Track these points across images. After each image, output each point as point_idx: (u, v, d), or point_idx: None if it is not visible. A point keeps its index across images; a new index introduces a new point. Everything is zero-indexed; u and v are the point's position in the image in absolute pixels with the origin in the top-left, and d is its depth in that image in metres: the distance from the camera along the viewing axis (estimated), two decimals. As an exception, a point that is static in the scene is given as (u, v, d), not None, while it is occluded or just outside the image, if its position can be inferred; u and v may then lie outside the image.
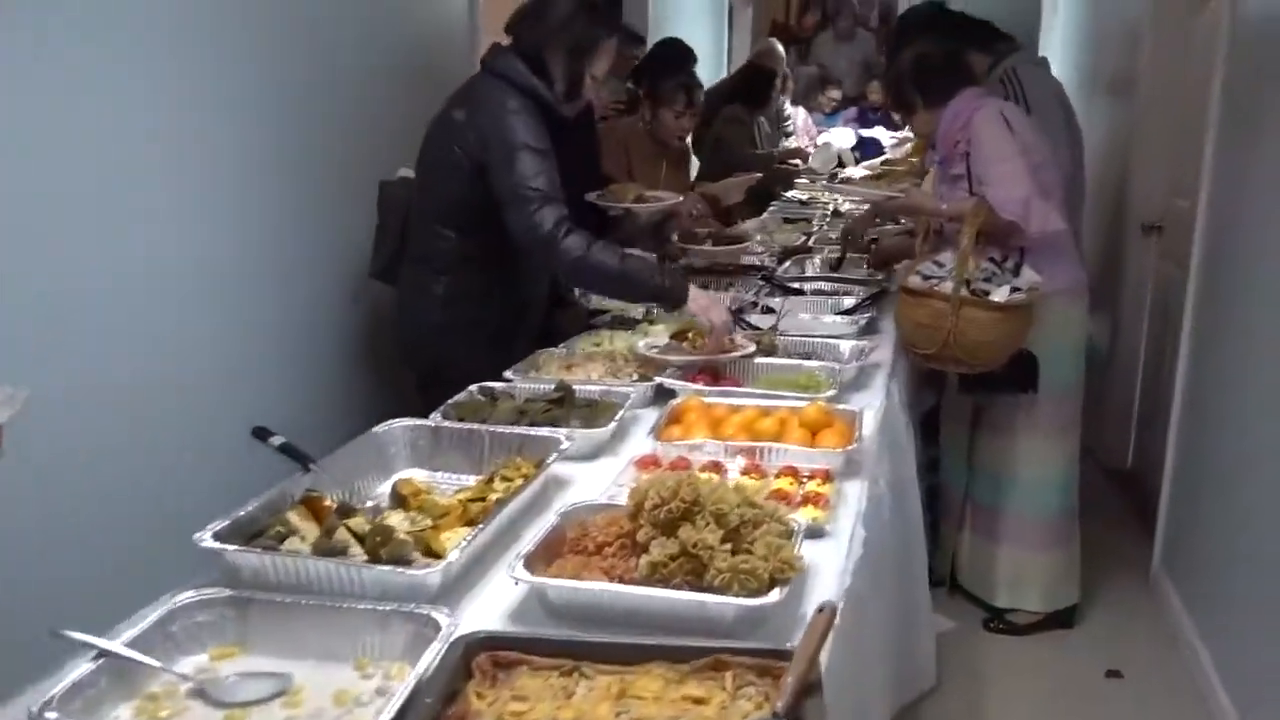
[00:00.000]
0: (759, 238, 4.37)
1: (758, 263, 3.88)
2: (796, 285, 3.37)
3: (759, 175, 4.83)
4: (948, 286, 2.56)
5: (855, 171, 6.34)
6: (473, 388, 2.11)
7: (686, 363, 2.29)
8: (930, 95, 2.93)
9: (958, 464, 3.20)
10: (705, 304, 2.36)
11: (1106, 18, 5.09)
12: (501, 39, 2.56)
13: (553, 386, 2.08)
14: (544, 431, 1.83)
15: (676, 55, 4.06)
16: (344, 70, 2.92)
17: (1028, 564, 3.11)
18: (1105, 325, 4.41)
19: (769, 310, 2.92)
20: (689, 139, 4.30)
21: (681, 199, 2.98)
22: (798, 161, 6.11)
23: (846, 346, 2.53)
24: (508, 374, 2.24)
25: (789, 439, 1.85)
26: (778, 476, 1.71)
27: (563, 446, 1.74)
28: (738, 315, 2.81)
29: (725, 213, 4.97)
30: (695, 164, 5.00)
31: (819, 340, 2.57)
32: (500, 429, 1.86)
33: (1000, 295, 2.59)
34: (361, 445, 1.76)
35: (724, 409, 2.01)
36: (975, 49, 3.27)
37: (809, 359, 2.46)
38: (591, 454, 1.91)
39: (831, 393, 2.09)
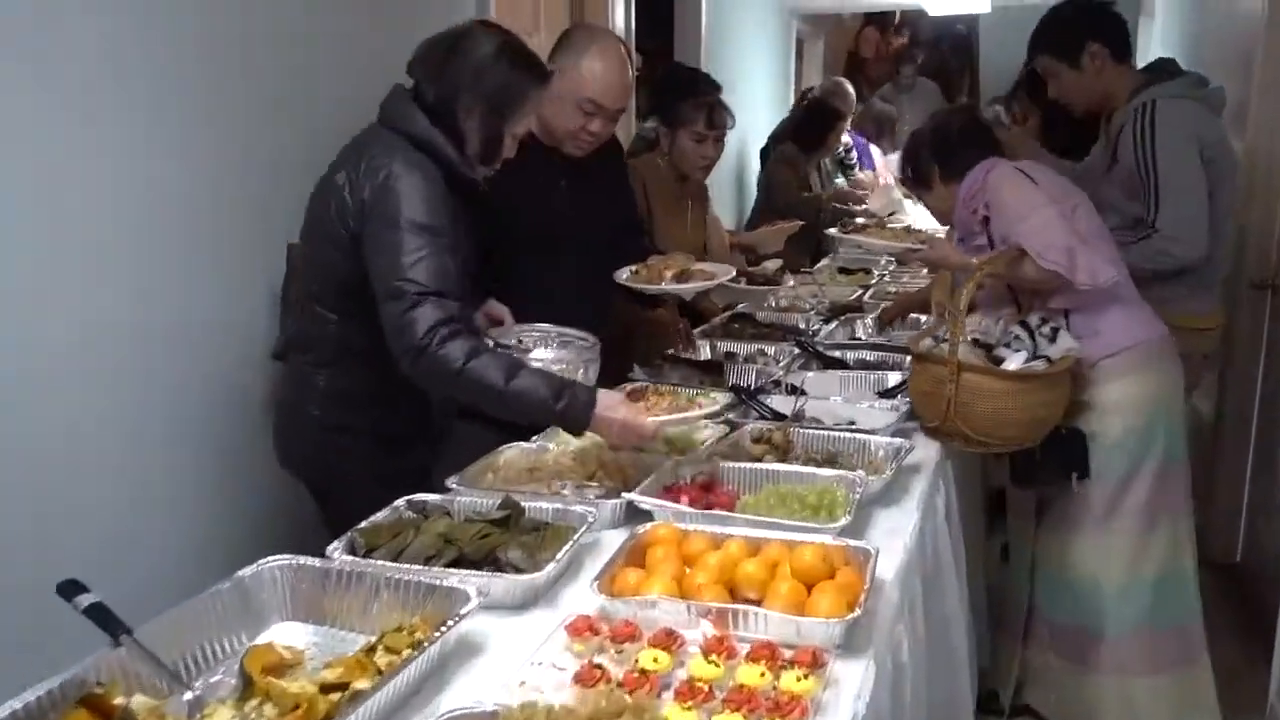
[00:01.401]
0: (802, 289, 3.93)
1: (800, 323, 3.44)
2: (837, 354, 2.92)
3: (800, 223, 4.36)
4: (960, 350, 2.15)
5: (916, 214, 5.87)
6: (401, 502, 1.72)
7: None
8: (949, 167, 2.53)
9: (1020, 567, 2.67)
10: (620, 430, 1.86)
11: (1211, 43, 4.52)
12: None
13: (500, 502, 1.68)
14: (453, 579, 1.41)
15: (694, 77, 3.63)
16: (320, 118, 2.55)
17: (1137, 691, 2.51)
18: (1210, 395, 3.83)
19: (795, 390, 2.46)
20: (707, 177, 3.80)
21: (731, 273, 2.52)
22: (857, 204, 5.62)
23: (881, 445, 2.07)
24: (451, 481, 1.84)
25: (775, 597, 1.40)
26: (749, 660, 1.26)
27: (467, 607, 1.33)
28: (751, 397, 2.38)
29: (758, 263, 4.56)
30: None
31: (847, 435, 2.11)
32: (402, 570, 1.45)
33: (1014, 362, 2.16)
34: (215, 599, 1.37)
35: (703, 540, 1.58)
36: (1117, 59, 2.90)
37: (832, 462, 2.01)
38: (522, 603, 1.49)
39: (844, 521, 1.63)
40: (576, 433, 1.86)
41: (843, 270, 4.42)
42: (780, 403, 2.39)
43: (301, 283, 2.05)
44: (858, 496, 1.74)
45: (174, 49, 2.09)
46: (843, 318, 3.42)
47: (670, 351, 2.85)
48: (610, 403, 1.84)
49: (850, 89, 6.28)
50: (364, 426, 2.02)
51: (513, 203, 2.33)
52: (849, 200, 5.56)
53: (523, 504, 1.70)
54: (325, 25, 2.54)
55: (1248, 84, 3.57)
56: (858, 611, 1.33)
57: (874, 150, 6.61)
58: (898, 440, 2.07)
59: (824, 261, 4.99)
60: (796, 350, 2.92)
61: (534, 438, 2.09)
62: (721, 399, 2.06)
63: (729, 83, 6.26)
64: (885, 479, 1.87)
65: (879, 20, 9.51)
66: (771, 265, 3.25)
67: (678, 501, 1.75)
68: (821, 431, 2.14)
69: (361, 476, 1.96)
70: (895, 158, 7.21)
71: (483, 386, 1.76)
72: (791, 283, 3.54)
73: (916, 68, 8.85)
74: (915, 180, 2.68)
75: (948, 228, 2.75)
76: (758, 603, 1.42)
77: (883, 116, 6.97)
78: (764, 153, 5.74)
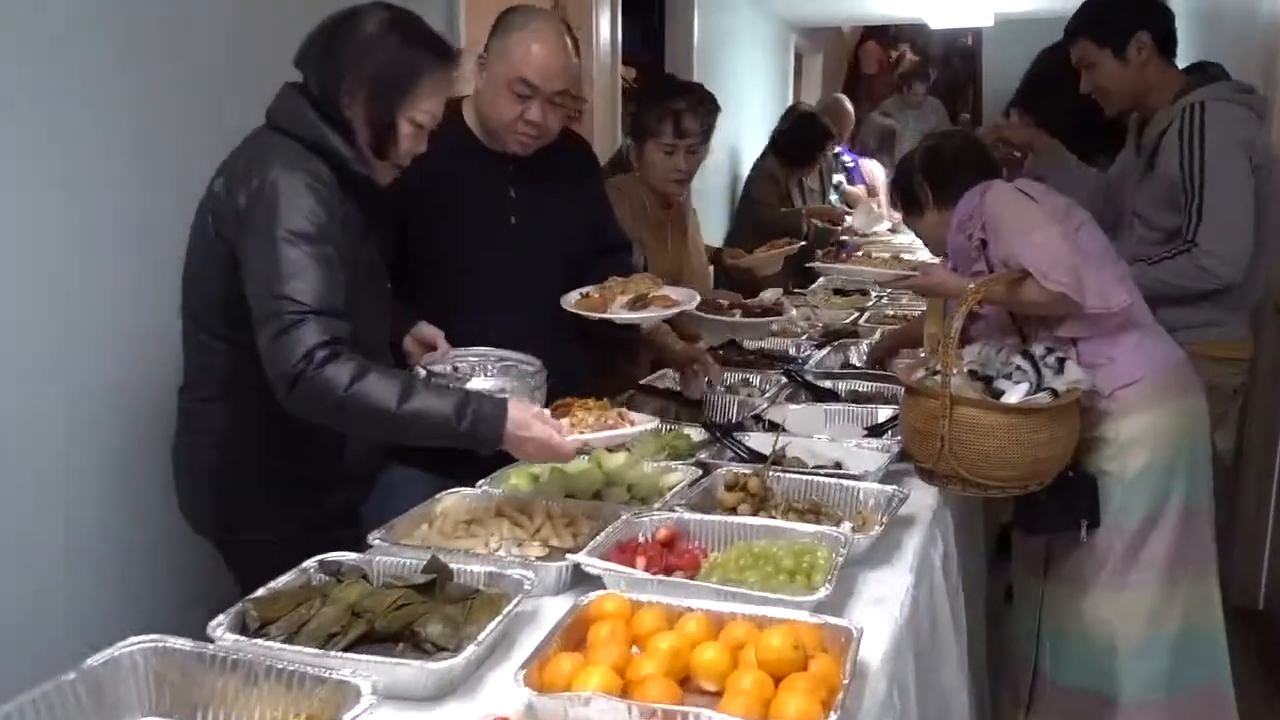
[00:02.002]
0: (798, 314, 3.70)
1: (791, 348, 3.21)
2: (828, 384, 2.68)
3: (801, 243, 4.15)
4: (955, 383, 1.91)
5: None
6: (311, 564, 1.48)
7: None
8: (942, 191, 2.31)
9: (1025, 626, 2.39)
10: (535, 449, 1.62)
11: (1229, 41, 4.29)
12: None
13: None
14: (346, 670, 1.17)
15: (666, 85, 3.31)
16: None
17: None
18: (1230, 428, 3.57)
19: (774, 427, 2.23)
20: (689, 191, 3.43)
21: (695, 300, 2.21)
22: (837, 222, 5.37)
23: (870, 493, 1.83)
24: (374, 536, 1.60)
25: (735, 694, 1.16)
26: (697, 781, 1.02)
27: (356, 710, 1.09)
28: (726, 436, 2.14)
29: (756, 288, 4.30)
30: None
31: (831, 482, 1.87)
32: (287, 656, 1.21)
33: (1014, 395, 1.92)
34: (60, 693, 1.13)
35: (657, 615, 1.34)
36: (1163, 55, 2.65)
37: (816, 512, 1.77)
38: (435, 693, 1.25)
39: (823, 593, 1.38)
40: (488, 453, 1.63)
41: (838, 292, 4.18)
42: (760, 440, 2.15)
43: (183, 309, 1.79)
44: (841, 559, 1.50)
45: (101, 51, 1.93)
46: (836, 343, 3.19)
47: (644, 381, 2.62)
48: (523, 419, 1.60)
49: (849, 107, 6.08)
50: (269, 470, 1.76)
51: (451, 208, 2.09)
52: (828, 218, 5.31)
53: (451, 566, 1.46)
54: (268, 22, 2.33)
55: (1269, 86, 3.34)
56: (833, 717, 1.09)
57: (867, 164, 6.40)
58: (889, 488, 1.83)
59: (819, 282, 4.77)
60: (784, 380, 2.68)
61: (480, 482, 1.85)
62: (645, 420, 1.77)
63: (722, 98, 6.07)
64: (873, 536, 1.63)
65: (880, 34, 9.30)
66: (770, 294, 2.98)
67: (633, 563, 1.51)
68: (803, 477, 1.90)
69: (269, 530, 1.72)
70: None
71: (372, 411, 1.52)
72: (794, 313, 3.20)
73: (928, 85, 8.62)
74: (906, 205, 2.47)
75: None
76: (716, 695, 1.19)
77: (883, 131, 6.75)
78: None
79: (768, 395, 2.54)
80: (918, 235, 2.63)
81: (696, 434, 2.22)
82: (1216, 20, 4.45)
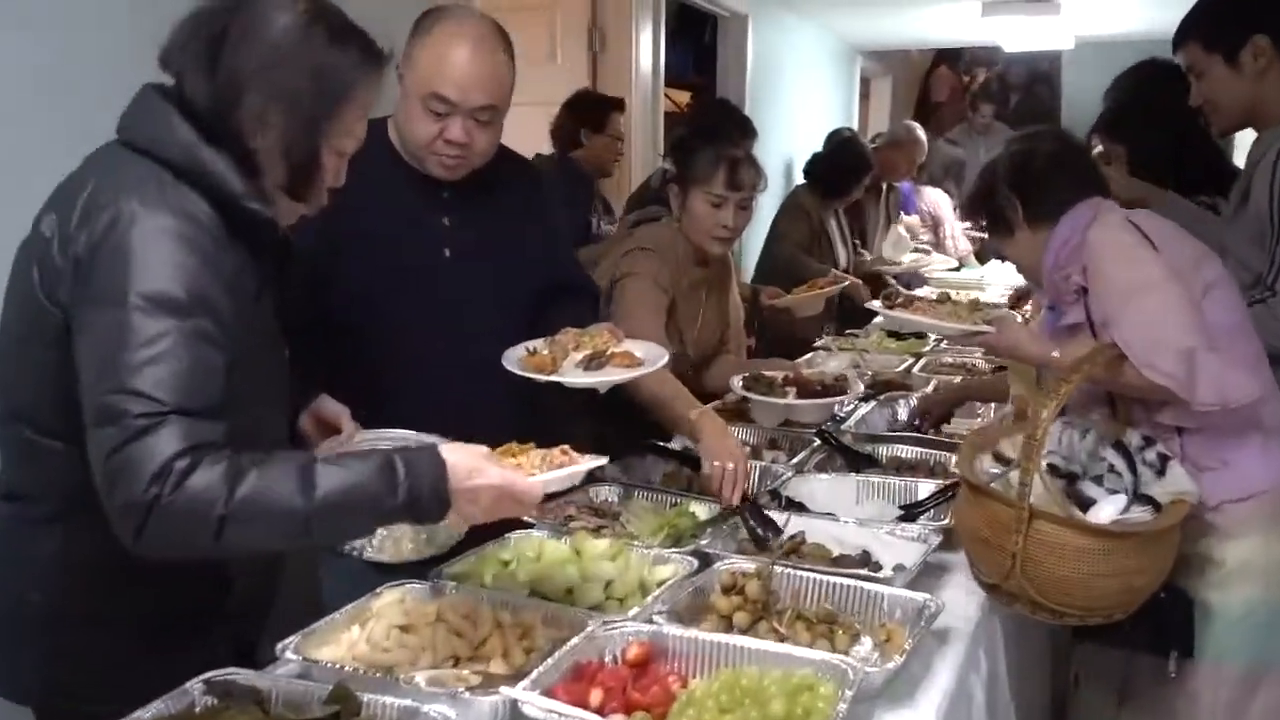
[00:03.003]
0: (845, 360, 3.37)
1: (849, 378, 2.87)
2: (869, 448, 2.36)
3: (848, 280, 3.81)
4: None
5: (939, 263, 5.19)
6: (196, 684, 1.22)
7: None
8: (1036, 206, 1.88)
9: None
10: (493, 500, 1.29)
11: None
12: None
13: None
14: None
15: (717, 118, 2.94)
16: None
17: None
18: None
19: (791, 505, 1.92)
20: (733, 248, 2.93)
21: (664, 360, 1.84)
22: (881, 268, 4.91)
23: (898, 601, 1.51)
24: (284, 646, 1.33)
25: None
26: None
27: None
28: (740, 512, 1.84)
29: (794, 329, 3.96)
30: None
31: (849, 583, 1.56)
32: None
33: (1107, 511, 1.55)
34: None
35: (598, 783, 1.05)
36: None
37: (830, 622, 1.46)
38: None
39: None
40: (434, 521, 1.29)
41: (892, 335, 3.83)
42: (784, 519, 1.85)
43: (3, 392, 1.34)
44: (846, 702, 1.19)
45: None
46: (883, 396, 2.85)
47: (653, 441, 2.32)
48: (470, 466, 1.26)
49: (922, 136, 5.67)
50: (122, 616, 1.34)
51: (371, 242, 1.78)
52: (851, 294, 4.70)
53: (361, 696, 1.19)
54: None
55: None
56: None
57: (931, 194, 5.99)
58: (920, 597, 1.50)
59: (876, 320, 4.41)
60: (816, 441, 2.37)
61: (434, 573, 1.58)
62: (592, 460, 1.46)
63: (777, 125, 5.79)
64: (891, 669, 1.31)
65: (953, 58, 8.88)
66: (834, 364, 2.60)
67: (586, 698, 1.22)
68: (818, 576, 1.58)
69: (117, 697, 1.20)
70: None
71: (272, 521, 1.15)
72: (860, 391, 2.62)
73: (995, 109, 8.17)
74: (992, 223, 2.02)
75: (1016, 309, 2.16)
76: None
77: (950, 160, 6.37)
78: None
79: (795, 462, 2.23)
80: (1008, 260, 2.22)
81: (705, 510, 1.93)
82: None
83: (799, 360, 3.42)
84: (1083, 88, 7.74)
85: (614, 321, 2.26)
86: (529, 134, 4.08)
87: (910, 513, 1.96)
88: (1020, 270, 2.17)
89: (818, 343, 3.64)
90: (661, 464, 2.22)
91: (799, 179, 5.80)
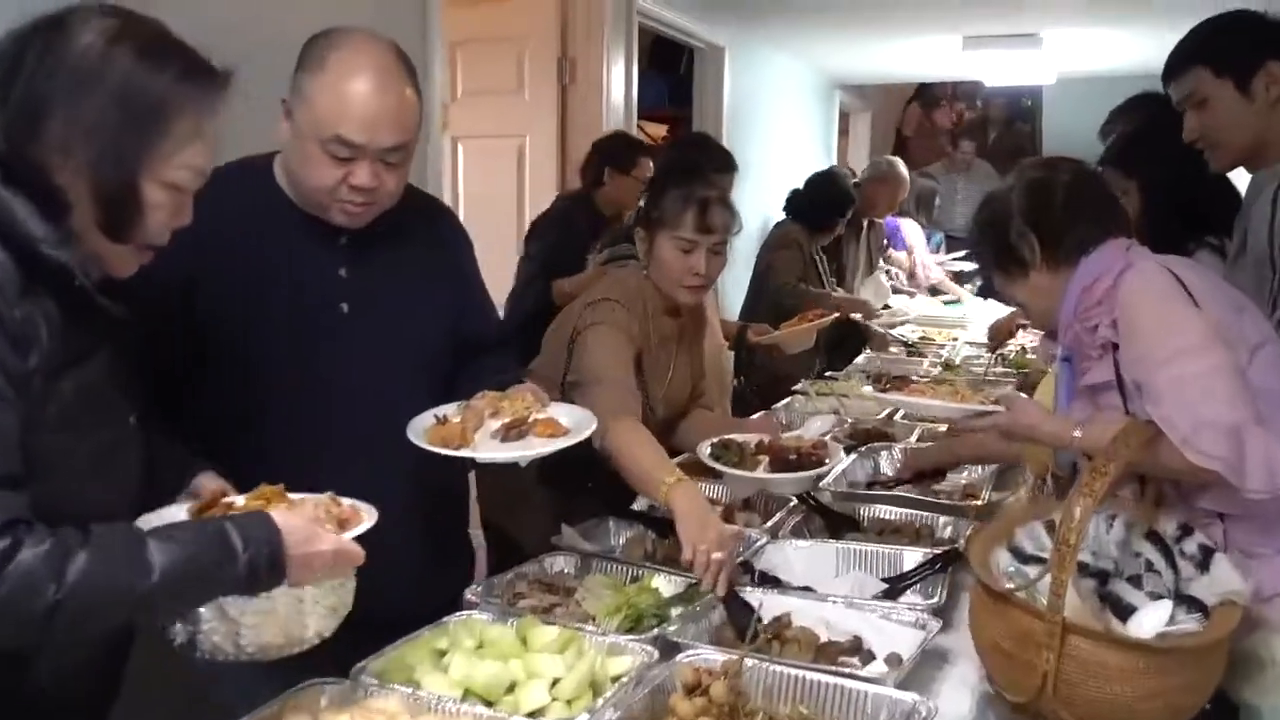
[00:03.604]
0: (824, 405, 3.21)
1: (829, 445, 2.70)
2: (850, 508, 2.19)
3: (835, 315, 3.66)
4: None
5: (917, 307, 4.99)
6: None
7: None
8: (1056, 244, 1.67)
9: None
10: (325, 562, 1.20)
11: None
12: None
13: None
14: None
15: (691, 154, 2.72)
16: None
17: None
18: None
19: (765, 580, 1.74)
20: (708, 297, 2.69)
21: (591, 427, 1.64)
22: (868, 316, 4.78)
23: (882, 703, 1.33)
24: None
25: None
26: None
27: None
28: (727, 601, 1.66)
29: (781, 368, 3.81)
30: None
31: (831, 682, 1.37)
32: None
33: (1151, 621, 1.33)
34: None
35: None
36: None
37: (804, 730, 1.28)
38: None
39: None
40: (268, 589, 1.19)
41: (870, 377, 3.67)
42: (752, 597, 1.67)
43: None
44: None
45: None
46: (864, 448, 2.68)
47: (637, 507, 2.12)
48: (305, 532, 1.19)
49: (904, 172, 5.56)
50: None
51: (258, 296, 1.58)
52: (857, 310, 4.59)
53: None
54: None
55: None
56: None
57: (908, 227, 5.88)
58: (909, 697, 1.32)
59: (859, 360, 4.24)
60: (793, 501, 2.19)
61: (356, 669, 1.38)
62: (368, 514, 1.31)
63: (756, 159, 5.66)
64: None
65: (925, 95, 8.81)
66: (815, 425, 2.37)
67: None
68: (793, 672, 1.40)
69: None
70: (935, 240, 6.52)
71: (109, 601, 1.05)
72: (841, 458, 2.32)
73: (976, 145, 8.08)
74: (1001, 264, 1.76)
75: (999, 349, 1.97)
76: None
77: (922, 192, 6.25)
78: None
79: (769, 526, 2.05)
80: (1013, 304, 1.93)
81: (669, 585, 1.75)
82: None
83: (778, 406, 3.28)
84: (1063, 123, 7.70)
85: (577, 376, 2.10)
86: (498, 168, 3.95)
87: (895, 587, 1.78)
88: (1029, 315, 1.93)
89: (795, 388, 3.47)
90: (625, 526, 2.04)
91: (777, 214, 5.69)
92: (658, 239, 2.20)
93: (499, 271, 3.93)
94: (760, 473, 2.01)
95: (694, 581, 1.71)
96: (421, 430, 1.57)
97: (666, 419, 2.34)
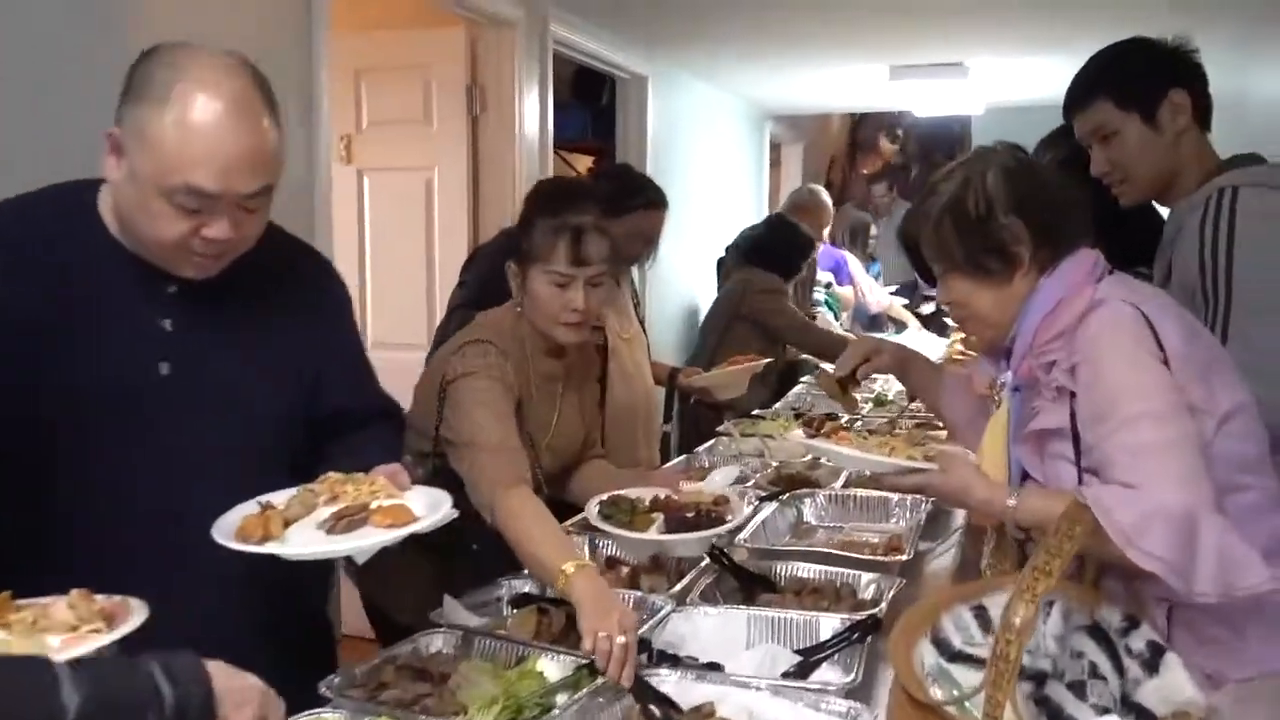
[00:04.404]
0: (748, 447, 3.04)
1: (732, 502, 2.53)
2: (766, 565, 2.01)
3: (766, 361, 3.51)
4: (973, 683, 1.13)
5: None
6: None
7: None
8: (1047, 239, 1.47)
9: None
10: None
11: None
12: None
13: None
14: None
15: (565, 184, 2.51)
16: None
17: None
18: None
19: (666, 658, 1.55)
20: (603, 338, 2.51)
21: (442, 511, 1.40)
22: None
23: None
24: None
25: None
26: None
27: None
28: (639, 694, 1.46)
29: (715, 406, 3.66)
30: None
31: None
32: None
33: None
34: None
35: None
36: (1200, 125, 1.94)
37: None
38: None
39: None
40: None
41: (800, 417, 3.51)
42: (669, 684, 1.49)
43: None
44: None
45: None
46: (786, 496, 2.51)
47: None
48: (237, 686, 1.02)
49: (827, 200, 5.50)
50: None
51: (65, 350, 1.33)
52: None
53: None
54: None
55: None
56: None
57: (850, 260, 5.81)
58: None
59: (789, 396, 4.11)
60: (705, 559, 2.00)
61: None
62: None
63: (682, 190, 5.51)
64: None
65: (856, 139, 8.69)
66: (717, 478, 2.16)
67: None
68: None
69: None
70: (873, 270, 6.45)
71: None
72: (747, 512, 2.14)
73: (890, 188, 8.03)
74: (977, 262, 1.50)
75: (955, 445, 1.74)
76: None
77: (856, 224, 6.19)
78: (720, 263, 4.95)
79: (676, 590, 1.86)
80: (964, 315, 1.61)
81: (556, 667, 1.55)
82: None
83: (700, 449, 3.10)
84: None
85: (453, 434, 1.89)
86: (405, 200, 3.75)
87: (808, 660, 1.61)
88: (978, 330, 1.65)
89: (719, 429, 3.30)
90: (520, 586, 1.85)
91: (707, 253, 5.56)
92: (530, 274, 2.00)
93: (409, 311, 3.75)
94: (653, 533, 1.82)
95: (584, 663, 1.51)
96: (227, 530, 1.31)
97: (556, 471, 2.15)
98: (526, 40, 3.70)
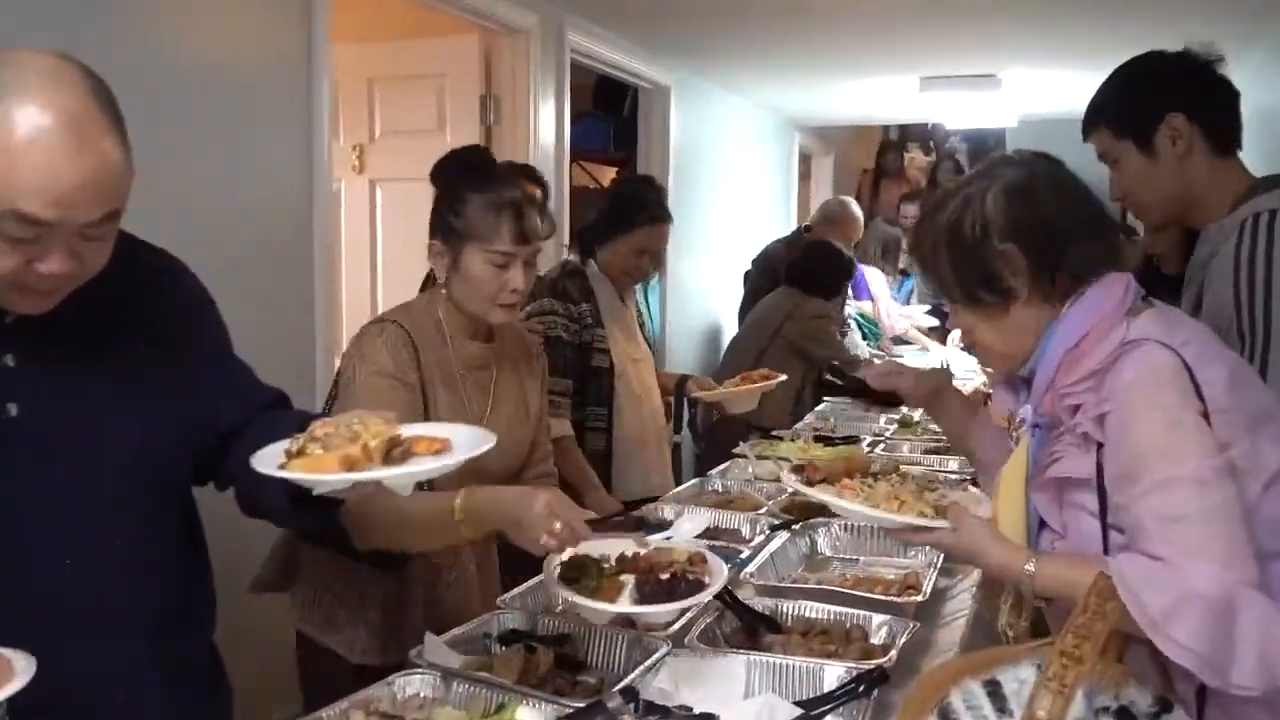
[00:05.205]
0: (763, 471, 2.93)
1: (743, 528, 2.43)
2: (772, 604, 1.89)
3: (781, 378, 3.40)
4: None
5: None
6: None
7: None
8: (1044, 265, 1.34)
9: None
10: None
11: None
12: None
13: None
14: None
15: (487, 156, 2.12)
16: None
17: None
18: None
19: (655, 710, 1.44)
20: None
21: (488, 446, 1.34)
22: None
23: None
24: None
25: None
26: None
27: None
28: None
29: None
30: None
31: None
32: None
33: None
34: None
35: None
36: (1215, 147, 1.80)
37: None
38: None
39: None
40: None
41: (822, 439, 3.39)
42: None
43: None
44: None
45: None
46: (799, 525, 2.40)
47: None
48: None
49: (856, 212, 5.36)
50: None
51: None
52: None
53: None
54: None
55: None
56: None
57: (871, 275, 5.68)
58: None
59: (807, 419, 3.98)
60: (718, 602, 1.87)
61: None
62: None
63: (706, 202, 5.44)
64: None
65: (881, 162, 8.53)
66: (684, 527, 2.03)
67: None
68: None
69: None
70: (906, 287, 6.32)
71: None
72: (777, 542, 2.09)
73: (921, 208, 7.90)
74: (970, 292, 1.39)
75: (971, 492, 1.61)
76: None
77: (886, 239, 6.06)
78: (747, 276, 4.84)
79: (673, 631, 1.74)
80: (977, 347, 1.50)
81: (536, 716, 1.44)
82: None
83: (714, 472, 2.98)
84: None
85: None
86: (418, 211, 3.66)
87: (809, 713, 1.49)
88: (988, 358, 1.52)
89: (735, 450, 3.18)
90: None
91: (733, 268, 5.45)
92: (465, 253, 1.85)
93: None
94: (625, 603, 1.62)
95: (567, 714, 1.41)
96: (278, 459, 1.24)
97: (499, 475, 1.92)
98: (542, 48, 3.62)
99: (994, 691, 1.13)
